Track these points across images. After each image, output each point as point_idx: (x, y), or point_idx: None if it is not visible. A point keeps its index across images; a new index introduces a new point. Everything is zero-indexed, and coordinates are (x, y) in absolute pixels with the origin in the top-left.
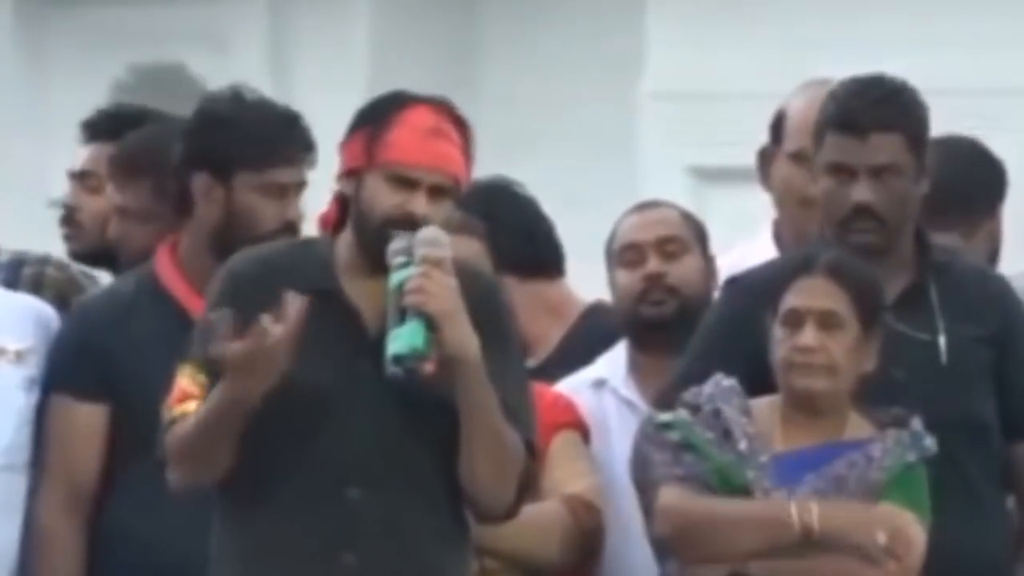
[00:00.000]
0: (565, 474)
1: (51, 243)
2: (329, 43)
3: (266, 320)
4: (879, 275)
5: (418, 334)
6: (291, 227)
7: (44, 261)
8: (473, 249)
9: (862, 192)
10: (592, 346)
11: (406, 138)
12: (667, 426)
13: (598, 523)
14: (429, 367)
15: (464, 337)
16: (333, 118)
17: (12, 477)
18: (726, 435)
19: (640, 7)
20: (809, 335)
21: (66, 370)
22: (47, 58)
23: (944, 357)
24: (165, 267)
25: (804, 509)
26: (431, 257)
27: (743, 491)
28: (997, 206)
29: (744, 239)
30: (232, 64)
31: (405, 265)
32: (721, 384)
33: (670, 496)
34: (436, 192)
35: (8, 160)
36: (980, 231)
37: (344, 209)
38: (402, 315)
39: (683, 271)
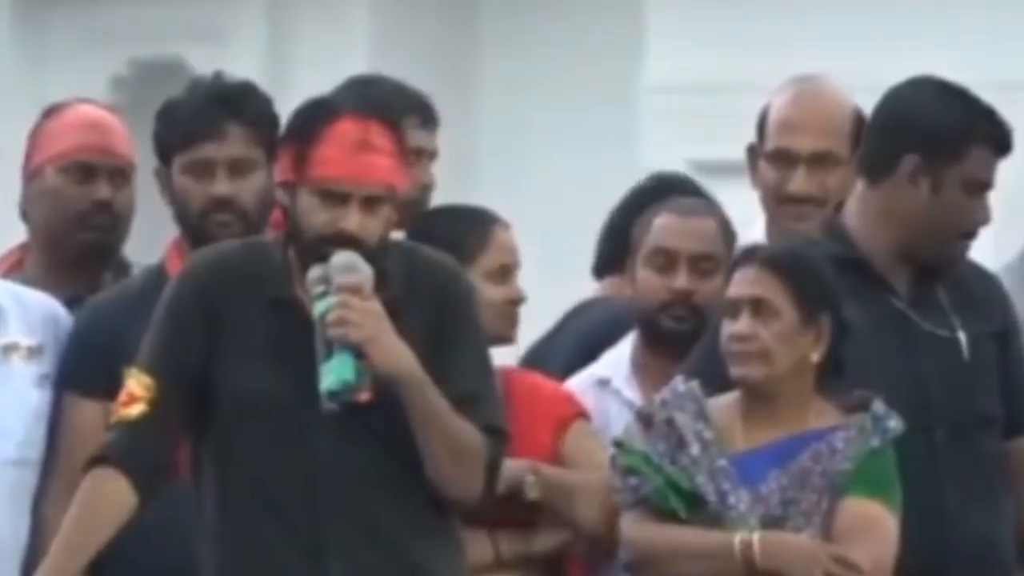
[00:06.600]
0: (602, 459)
1: None
2: (328, 39)
3: None
4: (824, 263)
5: (347, 366)
6: (221, 204)
7: None
8: (512, 240)
9: None
10: None
11: (332, 154)
12: (619, 445)
13: None
14: (364, 396)
15: (393, 355)
16: None
17: (25, 472)
18: (680, 443)
19: (640, 1)
20: (742, 323)
21: (73, 367)
22: (46, 53)
23: (966, 353)
24: (173, 262)
25: (746, 542)
26: (347, 285)
27: (695, 498)
28: None
29: (744, 233)
30: (231, 60)
31: (324, 295)
32: (677, 390)
33: (627, 524)
34: (370, 203)
35: (7, 155)
36: None
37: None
38: (328, 347)
39: (711, 291)
